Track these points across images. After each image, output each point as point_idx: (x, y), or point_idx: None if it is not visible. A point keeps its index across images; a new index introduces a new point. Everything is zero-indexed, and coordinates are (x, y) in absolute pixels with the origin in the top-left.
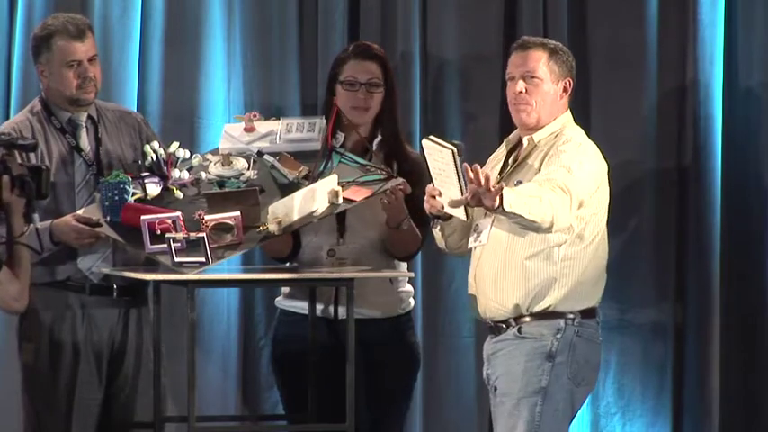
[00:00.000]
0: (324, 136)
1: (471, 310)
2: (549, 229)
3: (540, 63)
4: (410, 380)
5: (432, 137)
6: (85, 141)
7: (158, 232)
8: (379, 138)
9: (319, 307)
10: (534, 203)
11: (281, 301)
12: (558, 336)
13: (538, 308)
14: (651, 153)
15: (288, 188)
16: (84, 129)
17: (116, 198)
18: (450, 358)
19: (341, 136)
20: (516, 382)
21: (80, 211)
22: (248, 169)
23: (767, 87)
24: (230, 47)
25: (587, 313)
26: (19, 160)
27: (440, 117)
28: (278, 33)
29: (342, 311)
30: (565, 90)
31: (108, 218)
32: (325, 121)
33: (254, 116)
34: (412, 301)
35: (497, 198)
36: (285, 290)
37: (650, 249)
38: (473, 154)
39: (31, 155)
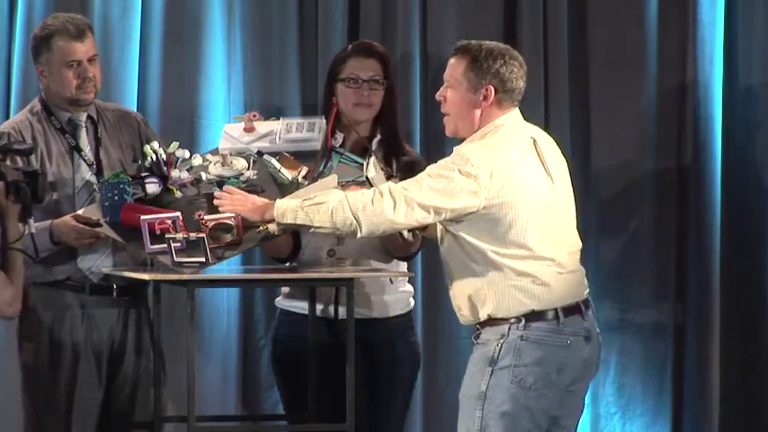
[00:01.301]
0: (323, 136)
1: None
2: (354, 233)
3: (456, 73)
4: (410, 380)
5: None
6: (85, 141)
7: (158, 232)
8: (378, 137)
9: (319, 307)
10: (313, 211)
11: (281, 301)
12: (502, 341)
13: (482, 316)
14: (651, 153)
15: (288, 188)
16: (84, 129)
17: (116, 198)
18: (450, 358)
19: (340, 136)
20: (463, 389)
21: (80, 211)
22: (248, 169)
23: (767, 87)
24: (230, 47)
25: (536, 316)
26: (20, 163)
27: (440, 117)
28: (278, 33)
29: (342, 311)
30: (485, 98)
31: (108, 218)
32: (324, 120)
33: (254, 116)
34: (412, 301)
35: (261, 211)
36: (285, 290)
37: (650, 249)
38: None
39: (32, 158)
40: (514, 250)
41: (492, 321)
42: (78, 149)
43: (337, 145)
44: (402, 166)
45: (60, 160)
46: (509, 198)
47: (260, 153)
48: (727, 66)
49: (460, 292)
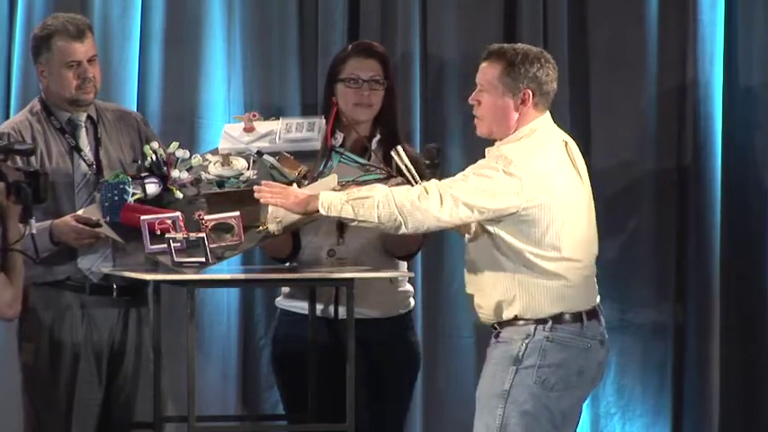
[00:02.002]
0: (323, 135)
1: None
2: (398, 229)
3: (491, 77)
4: (410, 380)
5: (400, 148)
6: (85, 141)
7: (158, 232)
8: (378, 137)
9: (319, 307)
10: (358, 205)
11: (281, 302)
12: (527, 340)
13: (507, 316)
14: (651, 153)
15: None
16: (84, 129)
17: (116, 198)
18: (450, 358)
19: (340, 135)
20: (483, 386)
21: (80, 212)
22: (248, 169)
23: (767, 87)
24: (230, 47)
25: (563, 318)
26: (19, 163)
27: (440, 117)
28: (278, 33)
29: (342, 311)
30: (523, 102)
31: (108, 218)
32: (324, 120)
33: (254, 116)
34: (412, 301)
35: (305, 204)
36: (285, 290)
37: (650, 249)
38: (472, 155)
39: (32, 158)
40: (549, 252)
41: (515, 321)
42: (78, 149)
43: (337, 145)
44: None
45: (60, 160)
46: (547, 201)
47: (260, 153)
48: (727, 66)
49: (485, 291)
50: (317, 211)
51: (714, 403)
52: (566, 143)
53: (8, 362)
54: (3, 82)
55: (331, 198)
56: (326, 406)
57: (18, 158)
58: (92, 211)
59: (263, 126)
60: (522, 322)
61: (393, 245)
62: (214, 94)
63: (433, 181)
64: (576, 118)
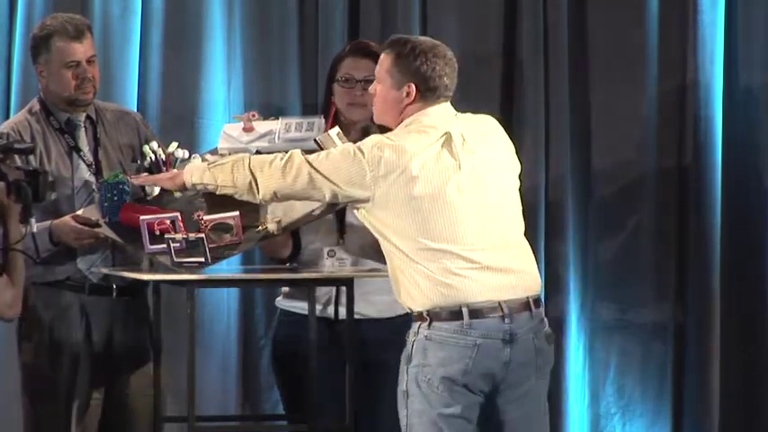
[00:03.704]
0: None
1: None
2: (252, 193)
3: (382, 67)
4: None
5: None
6: (84, 141)
7: (157, 232)
8: None
9: (319, 307)
10: (218, 170)
11: (281, 302)
12: (413, 339)
13: (404, 306)
14: (651, 153)
15: None
16: (83, 129)
17: (115, 198)
18: None
19: None
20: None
21: (79, 212)
22: None
23: (767, 87)
24: (230, 47)
25: (440, 315)
26: (18, 163)
27: None
28: (278, 34)
29: (342, 311)
30: (408, 95)
31: (107, 218)
32: (323, 120)
33: (253, 116)
34: None
35: (174, 179)
36: (285, 290)
37: (650, 249)
38: None
39: (31, 157)
40: (415, 244)
41: (414, 317)
42: (77, 150)
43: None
44: None
45: (59, 160)
46: (407, 191)
47: (259, 153)
48: (728, 66)
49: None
50: (184, 185)
51: (714, 403)
52: (448, 135)
53: (8, 362)
54: (3, 82)
55: (195, 169)
56: (326, 406)
57: (17, 157)
58: (91, 212)
59: (262, 126)
60: (415, 319)
61: None
62: (214, 94)
63: (297, 151)
64: (577, 118)
